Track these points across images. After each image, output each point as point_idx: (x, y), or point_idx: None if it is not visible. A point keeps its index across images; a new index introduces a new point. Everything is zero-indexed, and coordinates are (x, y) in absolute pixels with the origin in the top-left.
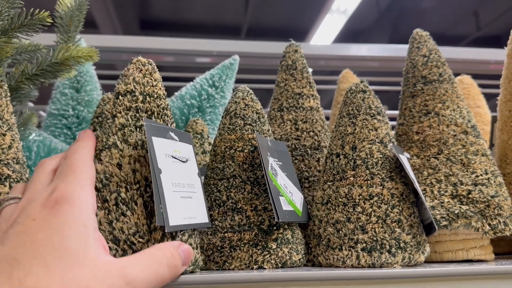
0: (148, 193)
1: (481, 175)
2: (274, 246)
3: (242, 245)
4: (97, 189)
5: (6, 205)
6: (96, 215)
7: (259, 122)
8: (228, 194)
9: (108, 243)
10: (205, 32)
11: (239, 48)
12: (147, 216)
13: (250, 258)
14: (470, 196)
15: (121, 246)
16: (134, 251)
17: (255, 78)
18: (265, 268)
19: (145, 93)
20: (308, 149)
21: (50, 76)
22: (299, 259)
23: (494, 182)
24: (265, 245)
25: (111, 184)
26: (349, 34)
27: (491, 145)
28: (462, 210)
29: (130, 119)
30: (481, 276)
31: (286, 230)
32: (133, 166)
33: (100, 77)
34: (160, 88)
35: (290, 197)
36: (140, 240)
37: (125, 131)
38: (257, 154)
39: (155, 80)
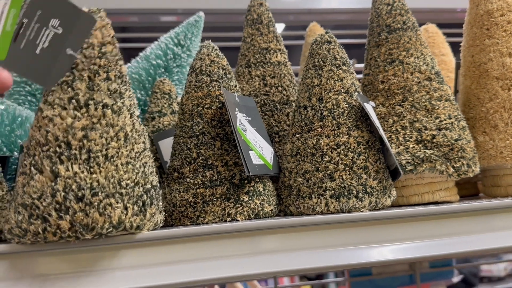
0: (57, 153)
1: (445, 119)
2: (246, 199)
3: (215, 199)
4: (25, 155)
5: None
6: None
7: (225, 78)
8: (198, 151)
9: (18, 208)
10: None
11: (205, 5)
12: (53, 178)
13: (223, 212)
14: (434, 140)
15: (29, 211)
16: (37, 216)
17: (224, 36)
18: (238, 220)
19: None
20: (277, 104)
21: None
22: (271, 210)
23: (458, 126)
24: (237, 198)
25: (31, 148)
26: None
27: (456, 92)
28: (426, 155)
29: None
30: (444, 215)
31: (257, 183)
32: (48, 127)
33: None
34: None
35: (260, 151)
36: (43, 203)
37: (53, 91)
38: (225, 110)
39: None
